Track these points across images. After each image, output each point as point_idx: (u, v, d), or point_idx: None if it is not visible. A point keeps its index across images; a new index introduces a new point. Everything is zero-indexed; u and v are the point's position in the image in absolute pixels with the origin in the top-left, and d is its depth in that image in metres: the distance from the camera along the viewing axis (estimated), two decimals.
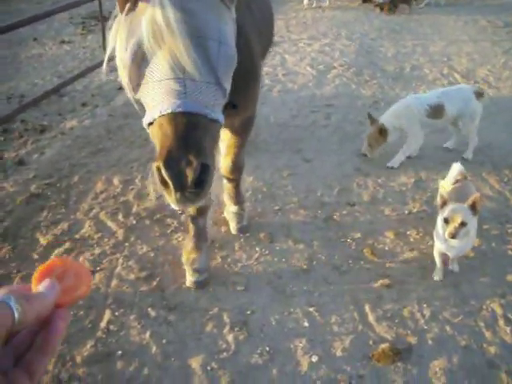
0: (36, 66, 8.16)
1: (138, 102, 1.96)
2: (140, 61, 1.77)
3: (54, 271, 0.84)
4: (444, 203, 3.12)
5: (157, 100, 1.76)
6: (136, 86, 1.85)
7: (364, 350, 2.86)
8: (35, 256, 3.65)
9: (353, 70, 7.55)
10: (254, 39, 2.69)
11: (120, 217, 4.02)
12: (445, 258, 3.39)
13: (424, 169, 4.71)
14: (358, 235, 3.80)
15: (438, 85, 6.88)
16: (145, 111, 1.90)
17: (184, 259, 3.35)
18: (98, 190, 4.43)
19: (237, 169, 3.47)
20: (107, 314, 3.10)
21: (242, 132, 3.18)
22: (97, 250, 3.67)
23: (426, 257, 3.53)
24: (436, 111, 4.57)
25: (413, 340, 2.91)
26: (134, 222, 3.96)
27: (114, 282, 3.36)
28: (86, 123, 5.88)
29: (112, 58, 1.98)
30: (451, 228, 2.99)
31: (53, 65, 8.13)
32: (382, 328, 3.00)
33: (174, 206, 1.86)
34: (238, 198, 3.72)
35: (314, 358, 2.80)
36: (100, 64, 6.88)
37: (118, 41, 1.88)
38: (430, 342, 2.90)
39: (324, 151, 5.07)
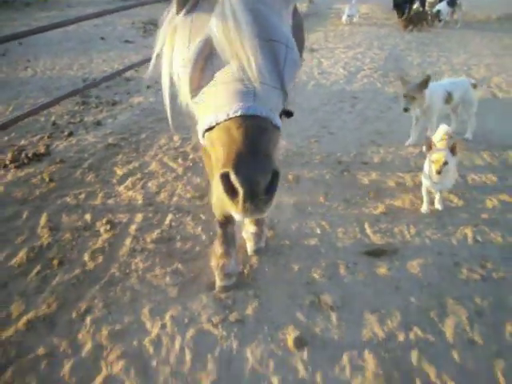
0: (105, 59, 9.46)
1: (188, 110, 1.96)
2: (205, 60, 1.72)
3: None
4: (430, 147, 4.08)
5: (222, 102, 1.67)
6: (196, 88, 1.77)
7: (360, 249, 3.82)
8: (114, 181, 4.77)
9: (380, 73, 8.55)
10: None
11: (179, 160, 5.12)
12: (431, 198, 4.32)
13: None
14: (367, 182, 4.78)
15: None
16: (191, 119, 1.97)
17: (213, 264, 3.41)
18: (162, 143, 5.56)
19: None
20: (169, 216, 4.17)
21: None
22: (161, 179, 4.77)
23: (418, 200, 4.46)
24: (448, 97, 5.47)
25: (398, 246, 3.86)
26: (191, 164, 5.04)
27: (175, 199, 4.44)
28: (151, 100, 7.07)
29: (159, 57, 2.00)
30: (437, 166, 3.95)
31: (119, 58, 9.40)
32: (376, 238, 3.96)
33: (239, 217, 1.69)
34: (258, 219, 3.65)
35: (323, 250, 3.78)
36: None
37: (178, 40, 1.82)
38: (411, 248, 3.84)
39: (346, 128, 6.07)
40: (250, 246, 3.71)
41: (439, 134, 4.50)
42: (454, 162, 4.07)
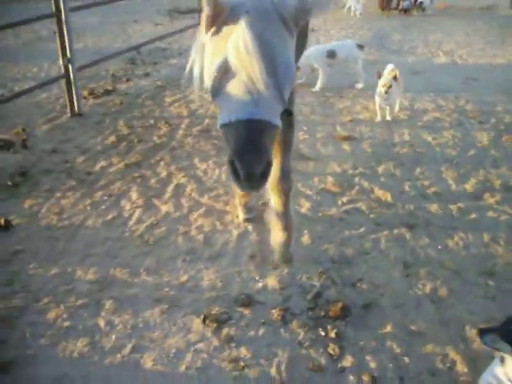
0: (142, 35, 11.58)
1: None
2: (223, 74, 2.25)
3: None
4: (379, 76, 6.11)
5: (234, 108, 2.20)
6: (216, 91, 2.31)
7: (331, 135, 5.85)
8: (165, 104, 6.89)
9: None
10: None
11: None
12: (383, 115, 6.35)
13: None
14: (341, 106, 6.84)
15: (424, 57, 9.83)
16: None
17: (237, 201, 4.11)
18: None
19: (285, 176, 3.23)
20: (206, 120, 6.26)
21: (287, 133, 3.10)
22: (199, 103, 6.87)
23: (375, 116, 6.46)
24: (331, 54, 7.51)
25: (357, 136, 5.89)
26: None
27: (209, 112, 6.53)
28: (184, 61, 9.15)
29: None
30: (385, 88, 6.00)
31: (153, 35, 11.45)
32: (341, 131, 5.99)
33: (240, 191, 2.60)
34: (286, 221, 3.37)
35: (306, 136, 5.82)
36: (184, 29, 9.86)
37: (206, 55, 2.43)
38: (365, 138, 5.87)
39: (330, 80, 8.09)
40: (277, 258, 3.50)
41: (387, 70, 6.51)
42: (396, 85, 6.10)
